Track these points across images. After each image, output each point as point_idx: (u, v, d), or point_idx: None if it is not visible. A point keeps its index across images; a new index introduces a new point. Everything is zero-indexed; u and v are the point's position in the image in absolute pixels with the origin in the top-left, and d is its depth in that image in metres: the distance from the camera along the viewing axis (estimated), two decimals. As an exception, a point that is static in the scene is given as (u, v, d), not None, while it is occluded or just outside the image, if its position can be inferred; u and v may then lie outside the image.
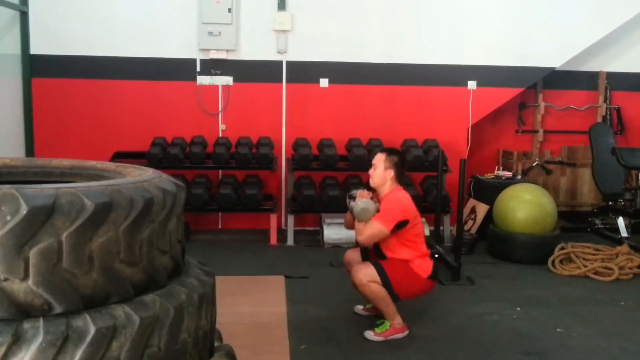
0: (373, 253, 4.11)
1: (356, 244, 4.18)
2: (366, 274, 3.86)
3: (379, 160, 4.03)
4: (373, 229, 3.86)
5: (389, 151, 4.12)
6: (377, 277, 3.84)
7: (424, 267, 3.99)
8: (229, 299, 4.19)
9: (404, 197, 4.00)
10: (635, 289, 5.14)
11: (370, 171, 4.07)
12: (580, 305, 4.72)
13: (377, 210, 3.89)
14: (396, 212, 3.89)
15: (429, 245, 5.88)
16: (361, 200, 3.91)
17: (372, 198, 3.97)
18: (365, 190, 4.05)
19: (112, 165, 2.41)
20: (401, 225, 3.89)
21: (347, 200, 4.09)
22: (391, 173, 4.00)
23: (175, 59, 6.77)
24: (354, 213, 3.92)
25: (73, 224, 1.66)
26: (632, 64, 7.58)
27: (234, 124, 6.89)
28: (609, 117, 7.69)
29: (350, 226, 4.17)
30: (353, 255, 4.25)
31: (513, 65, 7.09)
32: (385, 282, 3.85)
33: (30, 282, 1.64)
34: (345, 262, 4.29)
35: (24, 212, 1.59)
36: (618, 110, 7.71)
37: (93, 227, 1.71)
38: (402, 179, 4.10)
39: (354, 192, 4.07)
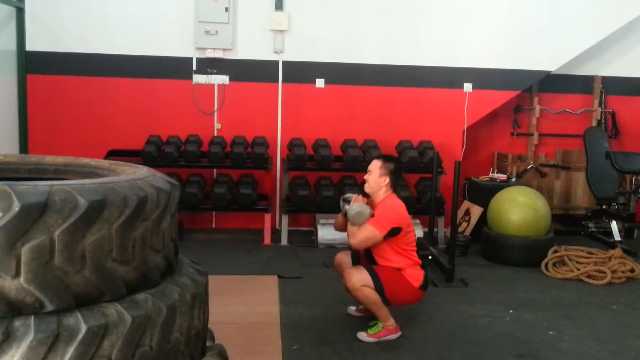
0: (364, 258, 4.11)
1: (349, 247, 4.18)
2: (360, 279, 3.85)
3: (375, 166, 4.04)
4: (367, 233, 3.86)
5: (385, 158, 4.13)
6: (370, 282, 3.84)
7: (416, 276, 3.99)
8: (222, 299, 4.19)
9: (399, 205, 4.00)
10: (628, 292, 5.16)
11: (366, 176, 4.07)
12: (572, 308, 4.73)
13: (371, 215, 3.90)
14: (390, 218, 3.89)
15: (423, 246, 5.93)
16: (356, 204, 3.92)
17: (366, 203, 3.97)
18: (360, 195, 4.06)
19: (106, 163, 2.40)
20: (394, 232, 3.89)
21: (341, 203, 4.09)
22: (386, 180, 4.00)
23: (171, 57, 6.76)
24: (349, 216, 3.91)
25: (66, 222, 1.65)
26: (628, 69, 7.62)
27: (229, 123, 6.89)
28: (603, 121, 7.72)
29: (340, 229, 4.18)
30: (344, 258, 4.26)
31: (509, 68, 7.11)
32: (378, 287, 3.85)
33: (21, 279, 1.62)
34: (336, 264, 4.30)
35: (17, 209, 1.58)
36: (613, 114, 7.74)
37: (86, 224, 1.70)
38: (397, 186, 4.10)
39: (348, 195, 4.08)
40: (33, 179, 2.18)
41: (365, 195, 4.09)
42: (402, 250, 3.98)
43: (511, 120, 7.68)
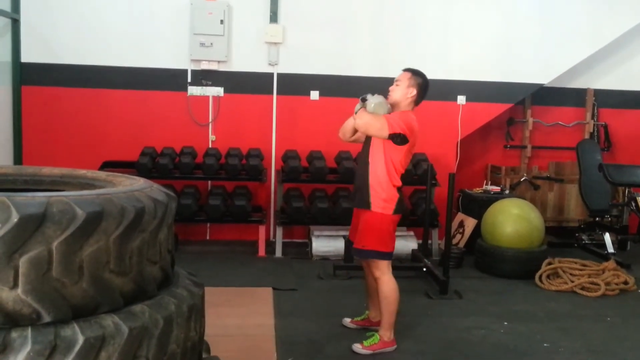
0: (353, 230, 4.12)
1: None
2: (370, 267, 3.98)
3: (404, 77, 4.00)
4: (375, 120, 3.83)
5: (415, 71, 4.06)
6: (372, 260, 3.93)
7: (387, 200, 3.88)
8: (217, 311, 4.17)
9: (415, 120, 3.95)
10: (621, 304, 5.17)
11: (392, 87, 4.02)
12: (566, 320, 4.74)
13: (389, 112, 3.89)
14: (403, 123, 3.83)
15: (417, 259, 5.95)
16: (380, 97, 3.89)
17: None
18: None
19: (102, 175, 2.41)
20: (399, 139, 3.83)
21: (359, 103, 3.98)
22: (413, 92, 3.96)
23: (166, 69, 6.77)
24: (370, 105, 3.85)
25: (64, 233, 1.66)
26: (619, 82, 7.68)
27: (224, 134, 6.89)
28: (596, 134, 7.78)
29: (345, 130, 4.11)
30: None
31: (502, 81, 7.15)
32: (373, 255, 3.91)
33: (19, 290, 1.63)
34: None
35: (15, 220, 1.59)
36: (605, 127, 7.80)
37: (84, 236, 1.70)
38: (419, 103, 4.05)
39: (367, 94, 3.99)
40: (30, 191, 2.18)
41: None
42: (394, 167, 3.88)
43: (504, 132, 7.72)
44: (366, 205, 3.92)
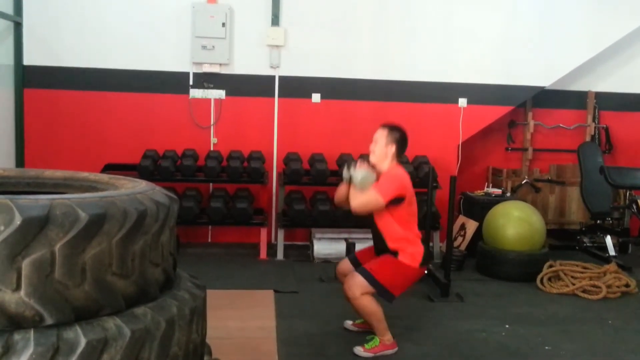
0: (366, 253, 4.10)
1: (346, 254, 4.13)
2: (357, 285, 3.82)
3: (381, 135, 4.01)
4: (369, 197, 3.83)
5: (391, 127, 4.07)
6: (368, 286, 3.82)
7: (414, 255, 3.94)
8: (218, 313, 4.16)
9: (403, 175, 3.98)
10: (623, 307, 5.17)
11: (371, 146, 4.04)
12: (568, 323, 4.74)
13: (375, 180, 3.89)
14: (394, 186, 3.86)
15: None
16: (362, 169, 3.89)
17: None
18: (365, 162, 4.00)
19: (105, 177, 2.42)
20: (397, 201, 3.86)
21: (344, 171, 3.98)
22: (392, 148, 3.98)
23: (168, 72, 6.78)
24: (355, 181, 3.85)
25: (67, 235, 1.66)
26: (621, 84, 7.69)
27: (225, 137, 6.90)
28: (597, 137, 7.78)
29: (341, 199, 4.10)
30: (346, 265, 4.24)
31: (503, 83, 7.17)
32: (377, 286, 3.84)
33: (22, 293, 1.63)
34: (339, 274, 4.25)
35: (18, 222, 1.60)
36: (606, 129, 7.80)
37: (86, 238, 1.71)
38: (402, 156, 4.08)
39: (353, 162, 3.99)
40: (32, 193, 2.19)
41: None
42: (404, 222, 3.94)
43: (506, 135, 7.73)
44: (393, 255, 3.96)
